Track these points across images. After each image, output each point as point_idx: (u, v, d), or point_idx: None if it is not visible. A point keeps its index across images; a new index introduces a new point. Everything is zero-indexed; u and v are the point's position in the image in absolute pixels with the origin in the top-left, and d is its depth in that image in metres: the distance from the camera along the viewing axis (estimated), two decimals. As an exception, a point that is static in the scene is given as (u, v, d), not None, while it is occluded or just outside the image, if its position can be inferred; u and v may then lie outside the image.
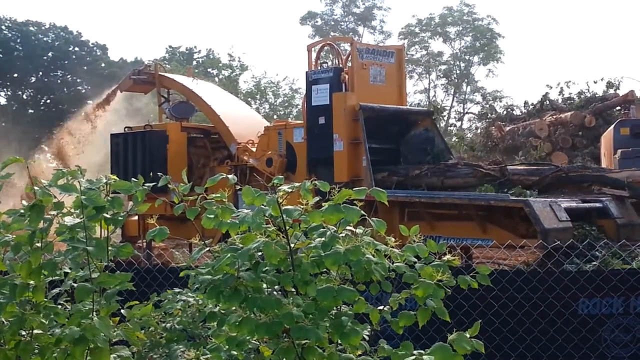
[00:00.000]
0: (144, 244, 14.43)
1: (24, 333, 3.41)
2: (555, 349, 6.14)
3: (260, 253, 3.31)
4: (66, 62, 53.31)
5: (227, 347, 3.37)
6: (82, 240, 3.25)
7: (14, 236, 3.32)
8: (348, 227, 3.35)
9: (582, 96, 27.51)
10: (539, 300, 6.15)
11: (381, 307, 3.62)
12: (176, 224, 9.23)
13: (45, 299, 3.45)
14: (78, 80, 53.80)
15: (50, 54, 53.37)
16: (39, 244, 3.27)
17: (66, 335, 3.21)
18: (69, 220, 3.26)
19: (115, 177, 3.45)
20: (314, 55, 14.39)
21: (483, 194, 11.72)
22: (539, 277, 6.22)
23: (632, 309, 6.13)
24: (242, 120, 16.05)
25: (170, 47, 57.18)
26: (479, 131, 32.75)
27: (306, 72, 13.86)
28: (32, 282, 3.31)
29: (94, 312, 3.34)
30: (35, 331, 3.42)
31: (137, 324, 3.87)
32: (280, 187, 3.38)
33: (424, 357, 3.10)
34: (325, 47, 15.25)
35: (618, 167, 15.33)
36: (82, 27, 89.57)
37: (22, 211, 3.27)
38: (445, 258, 3.53)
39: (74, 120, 20.34)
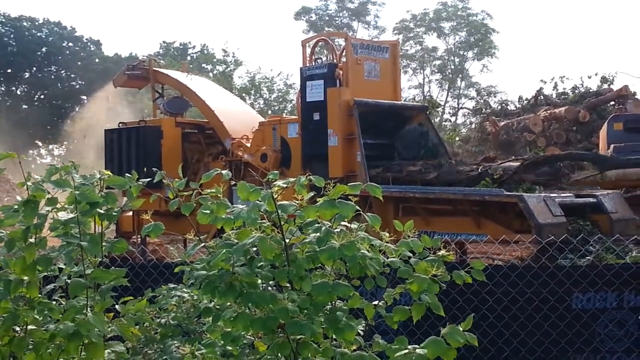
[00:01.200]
0: (139, 239, 14.41)
1: (17, 329, 3.41)
2: (549, 343, 6.16)
3: (255, 248, 3.31)
4: (60, 57, 53.20)
5: (222, 342, 3.37)
6: (76, 236, 3.25)
7: (8, 232, 3.31)
8: (343, 223, 3.36)
9: (576, 91, 27.56)
10: (533, 295, 6.16)
11: (376, 302, 3.63)
12: (171, 220, 9.22)
13: (40, 295, 3.44)
14: (72, 75, 53.71)
15: (44, 50, 53.25)
16: (32, 240, 3.27)
17: (60, 330, 3.21)
18: (62, 216, 3.25)
19: (109, 172, 3.45)
20: (308, 50, 14.36)
21: (477, 189, 11.73)
22: (533, 272, 6.23)
23: (626, 304, 6.15)
24: (237, 116, 16.01)
25: (164, 42, 57.14)
26: (473, 126, 32.80)
27: (300, 68, 13.83)
28: (26, 277, 3.31)
29: (88, 308, 3.33)
30: (29, 327, 3.41)
31: (132, 320, 3.87)
32: (275, 183, 3.38)
33: (417, 351, 3.11)
34: (320, 43, 15.21)
35: None
36: (75, 22, 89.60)
37: (15, 207, 3.26)
38: (439, 253, 3.53)
39: None
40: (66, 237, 3.25)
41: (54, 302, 3.49)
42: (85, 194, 3.26)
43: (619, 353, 6.17)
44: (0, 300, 3.26)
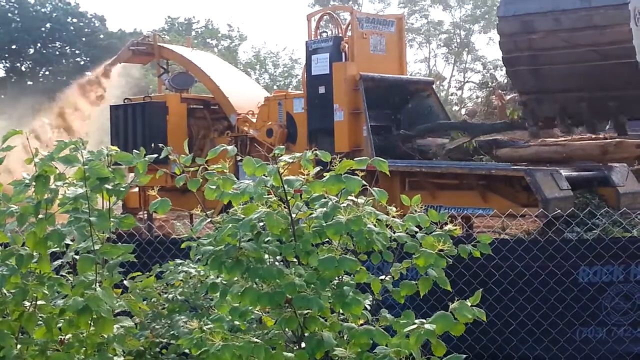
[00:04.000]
0: (145, 215, 14.45)
1: (27, 304, 3.43)
2: (555, 316, 6.17)
3: (261, 223, 3.32)
4: (64, 33, 53.03)
5: (229, 317, 3.38)
6: (85, 211, 3.25)
7: (20, 207, 3.31)
8: (349, 197, 3.36)
9: (582, 64, 27.32)
10: (540, 269, 6.16)
11: (382, 277, 3.64)
12: (177, 195, 9.24)
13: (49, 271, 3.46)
14: (77, 51, 53.59)
15: (48, 26, 53.07)
16: (42, 215, 3.27)
17: (70, 305, 3.22)
18: (71, 192, 3.26)
19: (116, 148, 3.45)
20: (313, 24, 14.30)
21: (484, 163, 11.72)
22: (539, 246, 6.23)
23: (633, 277, 6.15)
24: (242, 91, 15.98)
25: (169, 17, 57.03)
26: (479, 100, 32.66)
27: (306, 42, 13.78)
28: (36, 253, 3.32)
29: (97, 283, 3.35)
30: (39, 302, 3.43)
31: (140, 295, 3.89)
32: (281, 158, 3.38)
33: (426, 325, 3.12)
34: (325, 17, 15.14)
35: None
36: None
37: (27, 182, 3.26)
38: (446, 227, 3.54)
39: (72, 92, 20.08)
40: (75, 212, 3.25)
41: (62, 278, 3.51)
42: (94, 170, 3.26)
43: (625, 326, 6.19)
44: (9, 276, 3.28)
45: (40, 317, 3.42)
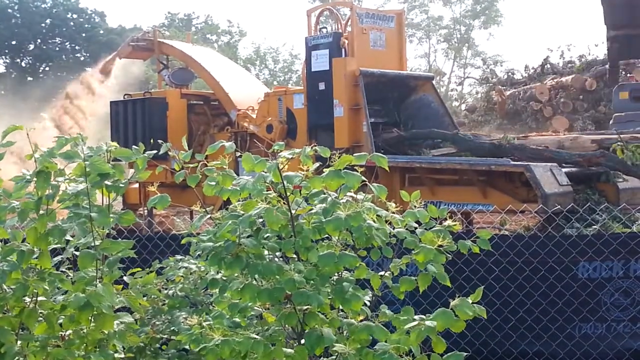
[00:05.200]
0: (145, 211, 14.45)
1: (28, 300, 3.43)
2: (555, 312, 6.18)
3: (261, 219, 3.32)
4: (64, 29, 53.05)
5: (229, 314, 3.39)
6: (85, 207, 3.26)
7: (21, 203, 3.32)
8: (349, 193, 3.36)
9: (583, 59, 27.34)
10: (540, 264, 6.17)
11: (382, 273, 3.64)
12: (177, 192, 9.21)
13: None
14: (77, 47, 53.61)
15: (48, 21, 53.08)
16: (42, 211, 3.28)
17: (71, 302, 3.23)
18: (71, 188, 3.26)
19: (115, 144, 3.45)
20: (313, 20, 14.28)
21: (484, 159, 11.72)
22: (539, 242, 6.24)
23: (632, 273, 6.16)
24: (242, 87, 15.96)
25: (169, 13, 57.03)
26: (479, 96, 32.66)
27: (305, 38, 13.76)
28: (36, 248, 3.33)
29: (97, 279, 3.35)
30: (40, 298, 3.43)
31: (140, 291, 3.90)
32: (280, 154, 3.38)
33: (427, 322, 3.12)
34: (325, 12, 15.11)
35: None
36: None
37: (28, 177, 3.27)
38: (446, 223, 3.54)
39: (73, 89, 20.04)
40: (76, 208, 3.25)
41: (62, 274, 3.51)
42: (95, 166, 3.26)
43: (625, 322, 6.20)
44: (11, 271, 3.28)
45: (41, 313, 3.43)
